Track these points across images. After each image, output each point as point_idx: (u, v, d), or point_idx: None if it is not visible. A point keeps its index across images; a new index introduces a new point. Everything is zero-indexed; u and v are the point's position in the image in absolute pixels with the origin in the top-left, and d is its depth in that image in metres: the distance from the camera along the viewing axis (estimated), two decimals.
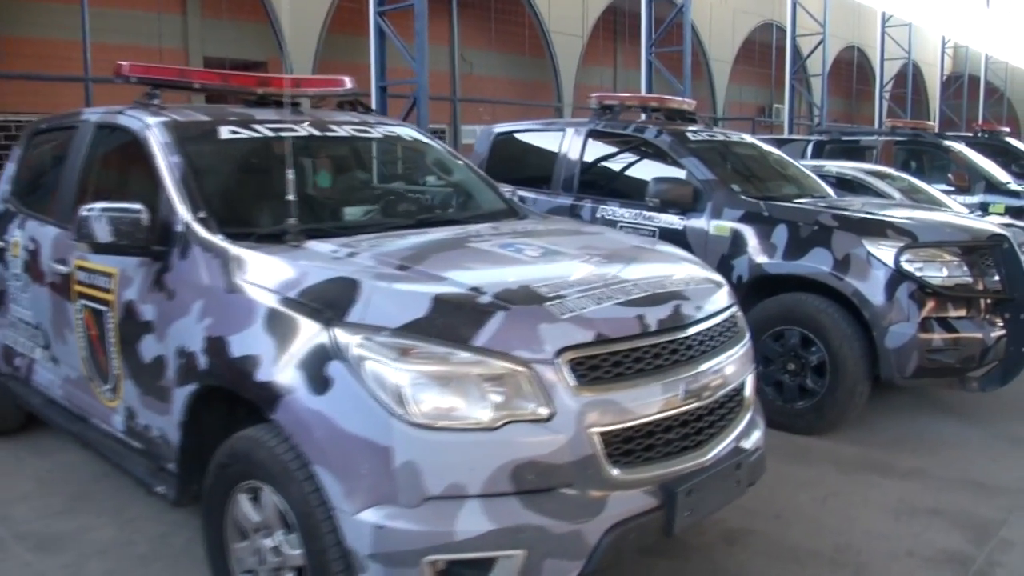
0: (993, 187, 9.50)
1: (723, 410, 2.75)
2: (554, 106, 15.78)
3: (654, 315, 2.55)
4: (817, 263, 4.71)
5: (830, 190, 6.15)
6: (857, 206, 5.26)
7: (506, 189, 4.28)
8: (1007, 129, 13.62)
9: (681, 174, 5.43)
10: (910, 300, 4.46)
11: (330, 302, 2.42)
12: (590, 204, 5.82)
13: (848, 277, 4.59)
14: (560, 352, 2.30)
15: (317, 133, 3.70)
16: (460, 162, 4.29)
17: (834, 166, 7.96)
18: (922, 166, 10.54)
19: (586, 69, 16.22)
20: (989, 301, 4.59)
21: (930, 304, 4.47)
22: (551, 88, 15.71)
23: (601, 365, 2.37)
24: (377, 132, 4.02)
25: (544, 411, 2.26)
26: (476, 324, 2.31)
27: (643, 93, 12.93)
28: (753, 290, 5.04)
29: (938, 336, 4.46)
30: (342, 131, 3.84)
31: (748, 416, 2.90)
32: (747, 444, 2.83)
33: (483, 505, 2.21)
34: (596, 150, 6.04)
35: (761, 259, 4.94)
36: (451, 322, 2.32)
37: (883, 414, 5.16)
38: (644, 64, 12.73)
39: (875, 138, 10.39)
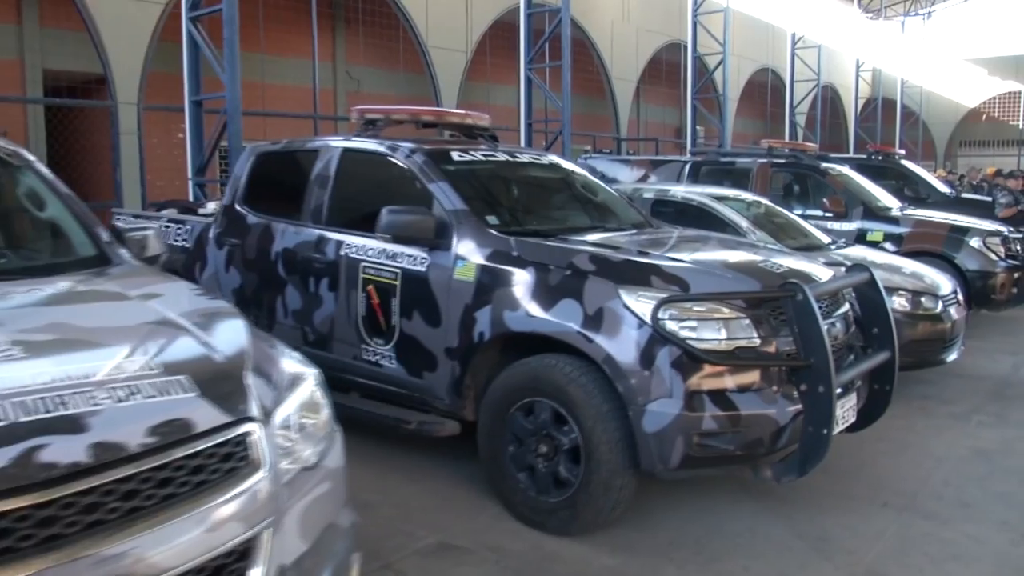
0: (872, 213, 8.63)
1: None
2: (437, 125, 14.57)
3: None
4: (565, 318, 3.65)
5: (642, 219, 5.14)
6: (635, 243, 4.23)
7: (129, 228, 3.16)
8: (902, 152, 12.92)
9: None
10: (673, 369, 3.41)
11: None
12: (336, 238, 4.71)
13: (599, 338, 3.53)
14: None
15: None
16: (56, 194, 3.14)
17: (680, 190, 6.97)
18: (805, 190, 9.67)
19: (473, 86, 15.21)
20: (783, 368, 3.56)
21: (701, 374, 3.42)
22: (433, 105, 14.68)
23: None
24: None
25: None
26: None
27: (521, 110, 11.95)
28: (505, 351, 3.98)
29: (712, 415, 3.40)
30: None
31: None
32: None
33: None
34: (349, 172, 4.94)
35: (504, 312, 3.86)
36: None
37: (672, 500, 4.10)
38: (523, 79, 11.72)
39: (751, 160, 9.48)
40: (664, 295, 3.46)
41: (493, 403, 3.90)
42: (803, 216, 8.42)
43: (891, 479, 4.47)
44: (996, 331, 8.57)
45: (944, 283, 6.30)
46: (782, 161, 9.40)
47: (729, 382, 3.45)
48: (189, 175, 8.58)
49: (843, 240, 7.21)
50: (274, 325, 5.04)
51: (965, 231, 8.31)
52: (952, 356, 6.08)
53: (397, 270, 4.32)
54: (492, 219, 4.27)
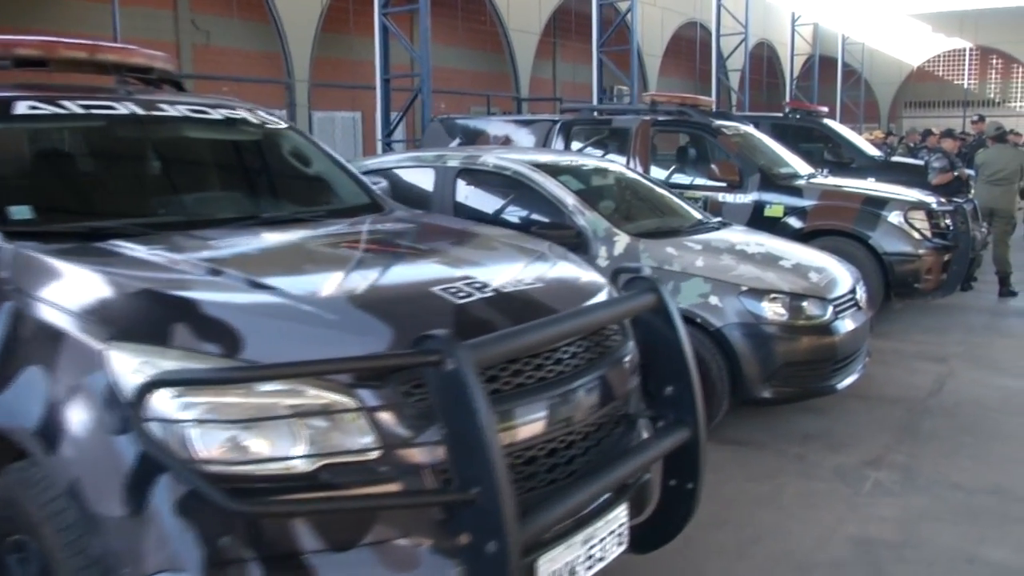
0: (769, 182, 6.97)
1: None
2: (284, 83, 12.71)
3: None
4: (19, 404, 1.93)
5: (370, 200, 3.40)
6: (247, 248, 2.50)
7: None
8: (825, 109, 11.28)
9: None
10: (182, 516, 1.70)
11: None
12: None
13: (65, 446, 1.81)
14: None
15: None
16: None
17: (492, 158, 5.22)
18: (703, 153, 8.00)
19: (332, 37, 13.17)
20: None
21: (240, 524, 1.71)
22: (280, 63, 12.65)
23: None
24: None
25: None
26: None
27: (377, 63, 10.07)
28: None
29: None
30: None
31: None
32: None
33: None
34: None
35: None
36: None
37: None
38: (378, 26, 9.84)
39: (631, 118, 7.75)
40: (168, 366, 1.72)
41: None
42: (695, 187, 6.90)
43: None
44: (919, 327, 6.95)
45: (840, 279, 4.65)
46: (667, 119, 7.68)
47: (307, 535, 1.74)
48: None
49: (718, 220, 5.52)
50: None
51: (883, 203, 6.70)
52: (847, 381, 4.44)
53: None
54: (22, 212, 2.49)
